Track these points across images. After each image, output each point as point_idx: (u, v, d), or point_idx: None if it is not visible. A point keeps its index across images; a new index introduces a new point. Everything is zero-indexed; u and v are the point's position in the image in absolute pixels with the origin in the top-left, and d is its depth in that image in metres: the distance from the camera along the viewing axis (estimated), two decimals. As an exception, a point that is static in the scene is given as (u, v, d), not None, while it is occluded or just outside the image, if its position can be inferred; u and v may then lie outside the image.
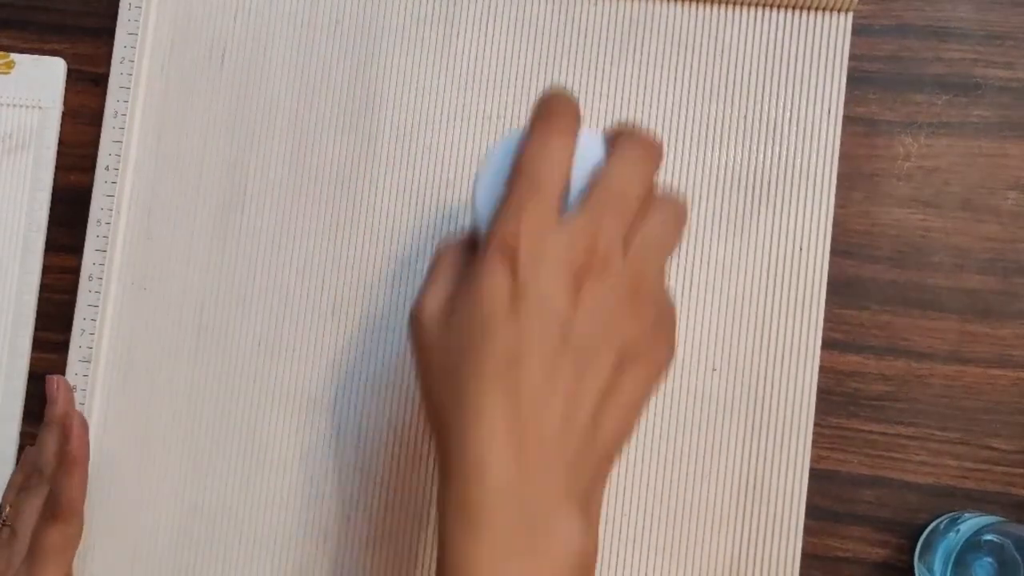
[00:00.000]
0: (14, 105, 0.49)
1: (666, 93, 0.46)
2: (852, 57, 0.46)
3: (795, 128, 0.45)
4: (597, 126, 0.40)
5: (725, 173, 0.45)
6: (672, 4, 0.46)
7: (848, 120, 0.46)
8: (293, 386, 0.46)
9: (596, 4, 0.46)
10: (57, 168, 0.49)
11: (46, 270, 0.49)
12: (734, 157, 0.45)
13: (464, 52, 0.47)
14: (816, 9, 0.45)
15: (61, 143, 0.50)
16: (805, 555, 0.44)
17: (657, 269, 0.32)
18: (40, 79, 0.50)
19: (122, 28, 0.48)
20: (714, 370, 0.44)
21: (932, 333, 0.45)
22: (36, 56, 0.50)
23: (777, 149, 0.45)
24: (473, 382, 0.30)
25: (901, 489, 0.44)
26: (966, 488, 0.44)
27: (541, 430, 0.30)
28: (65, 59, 0.50)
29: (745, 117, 0.45)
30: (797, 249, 0.45)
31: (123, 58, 0.48)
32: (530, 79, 0.47)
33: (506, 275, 0.30)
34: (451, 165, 0.47)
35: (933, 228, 0.45)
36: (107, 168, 0.48)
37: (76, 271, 0.47)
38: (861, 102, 0.46)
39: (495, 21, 0.47)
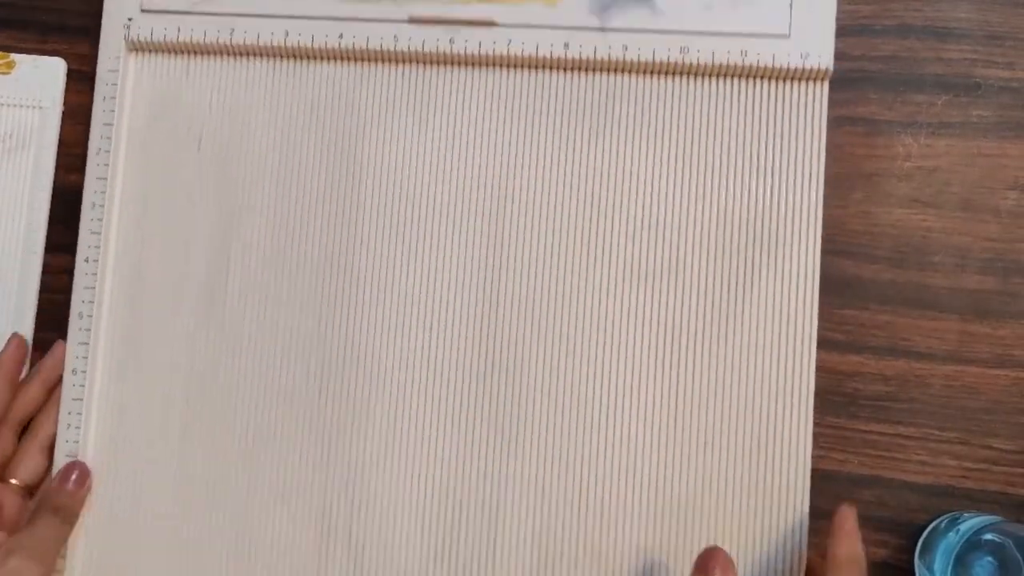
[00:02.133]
0: (14, 105, 0.49)
1: (643, 166, 0.45)
2: (852, 57, 0.46)
3: (776, 197, 0.44)
4: (572, 203, 0.44)
5: (707, 243, 0.44)
6: (645, 77, 0.45)
7: (848, 120, 0.46)
8: (281, 474, 0.45)
9: (571, 79, 0.46)
10: (57, 168, 0.49)
11: (46, 270, 0.49)
12: (715, 227, 0.44)
13: (441, 129, 0.46)
14: (792, 79, 0.44)
15: (61, 143, 0.50)
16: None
17: None
18: (40, 79, 0.50)
19: (97, 119, 0.47)
20: (706, 444, 0.44)
21: (932, 333, 0.45)
22: (36, 56, 0.50)
23: (759, 217, 0.44)
24: None
25: (901, 489, 0.44)
26: (966, 488, 0.44)
27: None
28: (65, 59, 0.50)
29: (725, 187, 0.44)
30: (784, 320, 0.44)
31: (99, 149, 0.47)
32: (508, 154, 0.46)
33: None
34: (432, 243, 0.46)
35: (933, 228, 0.45)
36: (87, 260, 0.47)
37: (76, 271, 0.47)
38: (861, 102, 0.46)
39: (471, 97, 0.46)
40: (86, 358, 0.46)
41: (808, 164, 0.44)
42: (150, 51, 0.48)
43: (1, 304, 0.48)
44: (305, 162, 0.47)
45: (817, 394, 0.45)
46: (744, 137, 0.45)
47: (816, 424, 0.45)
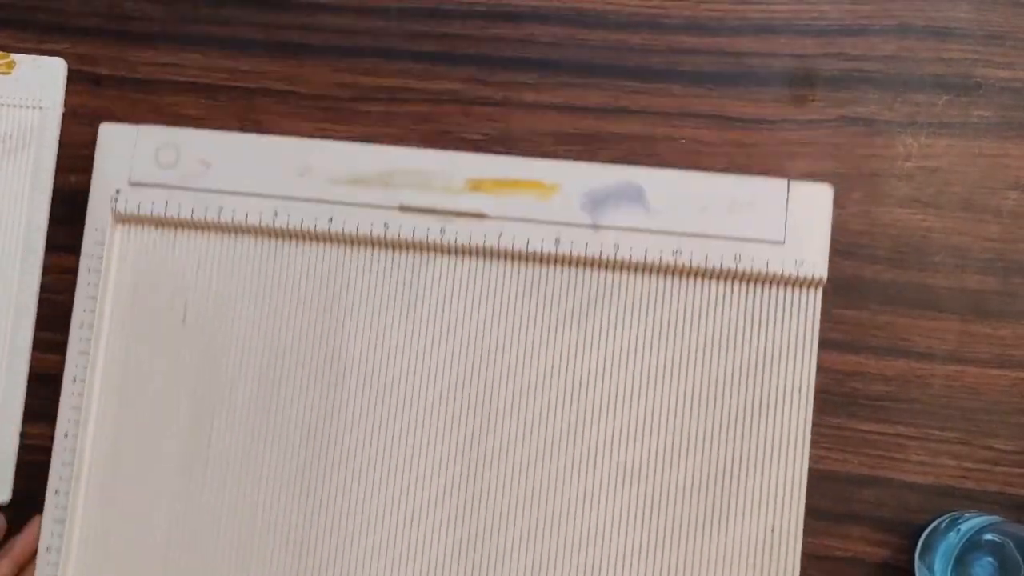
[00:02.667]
0: (14, 105, 0.49)
1: (628, 363, 0.45)
2: (852, 57, 0.46)
3: (765, 403, 0.44)
4: (559, 399, 0.44)
5: (694, 445, 0.44)
6: (637, 275, 0.45)
7: (848, 120, 0.46)
8: None
9: (562, 273, 0.45)
10: (57, 168, 0.49)
11: (46, 270, 0.49)
12: (702, 429, 0.44)
13: (428, 317, 0.46)
14: (786, 285, 0.44)
15: (61, 143, 0.50)
16: (805, 555, 0.44)
17: None
18: (40, 79, 0.50)
19: (81, 292, 0.47)
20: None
21: (932, 333, 0.45)
22: (36, 56, 0.50)
23: (747, 422, 0.44)
24: None
25: (901, 489, 0.44)
26: (966, 488, 0.44)
27: None
28: (65, 59, 0.50)
29: (713, 389, 0.44)
30: (769, 531, 0.43)
31: (82, 322, 0.46)
32: (493, 346, 0.45)
33: None
34: (416, 432, 0.45)
35: (933, 228, 0.45)
36: (66, 435, 0.46)
37: (76, 271, 0.47)
38: (861, 102, 0.46)
39: (459, 287, 0.46)
40: (61, 536, 0.45)
41: (798, 372, 0.44)
42: (137, 223, 0.47)
43: (1, 304, 0.48)
44: (290, 344, 0.46)
45: (817, 394, 0.45)
46: (735, 341, 0.44)
47: (816, 424, 0.45)
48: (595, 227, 0.45)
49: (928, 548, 0.42)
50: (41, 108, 0.49)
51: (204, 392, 0.47)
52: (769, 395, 0.44)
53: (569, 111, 0.47)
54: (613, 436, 0.45)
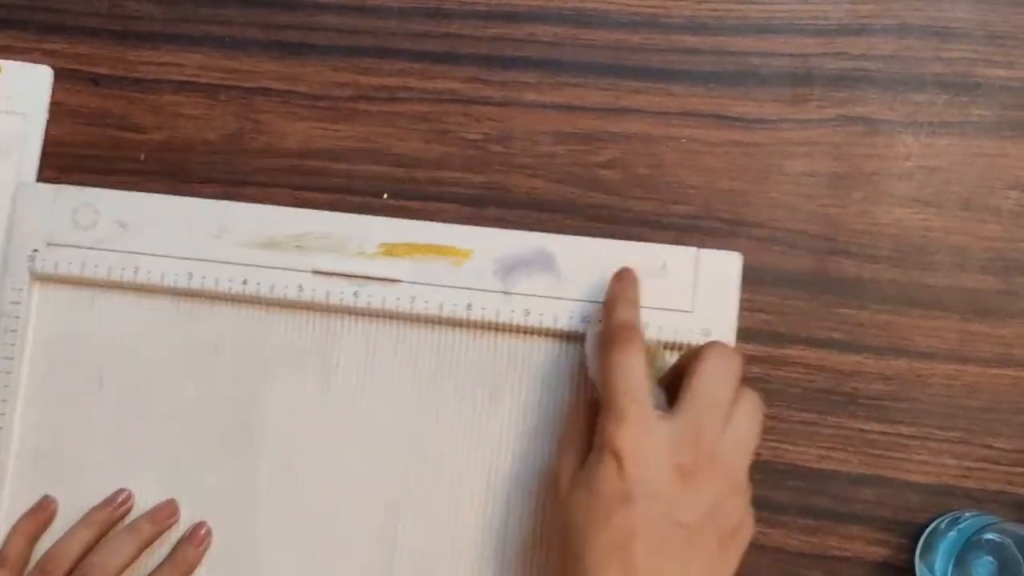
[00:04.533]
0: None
1: (539, 426, 0.45)
2: (852, 57, 0.46)
3: None
4: (467, 456, 0.45)
5: None
6: (548, 340, 0.45)
7: (848, 119, 0.46)
8: None
9: (474, 338, 0.45)
10: (57, 168, 0.49)
11: None
12: None
13: (343, 382, 0.46)
14: None
15: (61, 143, 0.50)
16: (805, 555, 0.44)
17: (747, 459, 0.38)
18: (25, 86, 0.49)
19: None
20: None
21: (932, 332, 0.45)
22: (23, 63, 0.50)
23: None
24: (593, 555, 0.36)
25: (901, 488, 0.44)
26: (967, 487, 0.44)
27: None
28: (64, 59, 0.50)
29: None
30: None
31: None
32: (406, 408, 0.46)
33: (618, 473, 0.36)
34: (330, 488, 0.46)
35: (933, 227, 0.45)
36: None
37: None
38: (861, 102, 0.46)
39: (373, 350, 0.46)
40: None
41: None
42: (55, 283, 0.48)
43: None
44: (205, 408, 0.46)
45: (818, 393, 0.45)
46: None
47: (816, 424, 0.45)
48: (507, 293, 0.45)
49: (929, 548, 0.42)
50: (25, 115, 0.49)
51: (120, 459, 0.47)
52: None
53: (569, 111, 0.47)
54: (526, 499, 0.45)
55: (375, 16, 0.49)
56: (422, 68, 0.48)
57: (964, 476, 0.44)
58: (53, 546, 0.45)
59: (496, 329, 0.45)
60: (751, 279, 0.45)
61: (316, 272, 0.46)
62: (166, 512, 0.46)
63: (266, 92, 0.49)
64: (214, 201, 0.47)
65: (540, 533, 0.44)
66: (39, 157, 0.49)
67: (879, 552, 0.44)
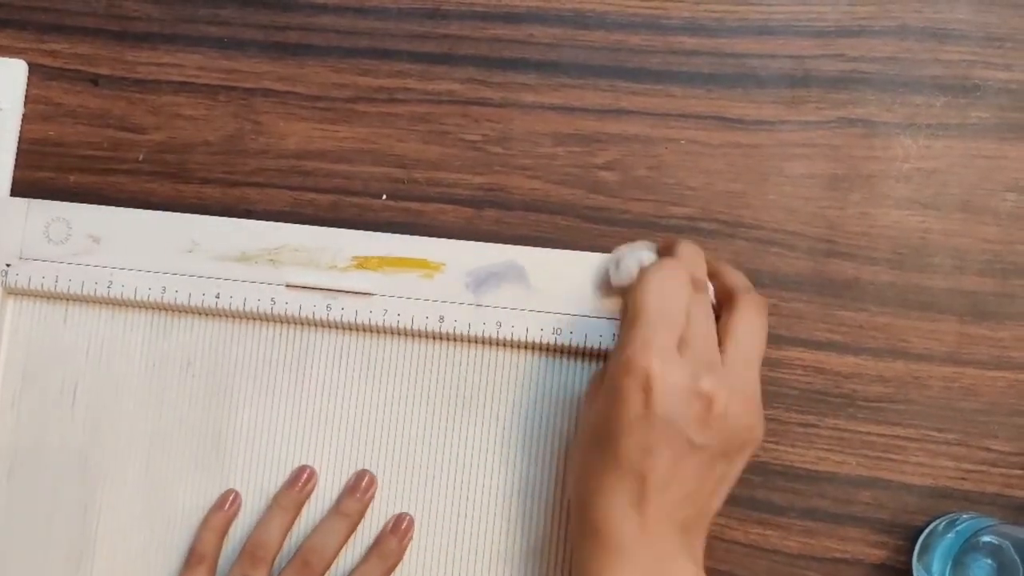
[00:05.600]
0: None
1: (511, 438, 0.45)
2: (850, 59, 0.46)
3: None
4: (438, 468, 0.46)
5: None
6: (519, 352, 0.46)
7: (847, 121, 0.46)
8: None
9: (446, 349, 0.46)
10: (55, 169, 0.49)
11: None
12: None
13: (316, 394, 0.46)
14: None
15: (60, 144, 0.50)
16: (803, 557, 0.44)
17: (758, 374, 0.39)
18: (0, 81, 0.49)
19: None
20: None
21: (930, 335, 0.45)
22: (-2, 58, 0.50)
23: None
24: (610, 466, 0.38)
25: (899, 490, 0.44)
26: (964, 489, 0.44)
27: (664, 503, 0.37)
28: (64, 59, 0.50)
29: None
30: None
31: None
32: (378, 420, 0.46)
33: (640, 397, 0.37)
34: (303, 510, 0.46)
35: (932, 230, 0.45)
36: None
37: (74, 271, 0.47)
38: (859, 103, 0.46)
39: (345, 363, 0.46)
40: None
41: None
42: (28, 297, 0.48)
43: None
44: (178, 421, 0.47)
45: (816, 395, 0.45)
46: None
47: (815, 425, 0.45)
48: (478, 305, 0.45)
49: (926, 549, 0.42)
50: (1, 110, 0.49)
51: (93, 472, 0.47)
52: None
53: (568, 112, 0.47)
54: (499, 510, 0.45)
55: (374, 17, 0.49)
56: (421, 69, 0.48)
57: (962, 478, 0.44)
58: (254, 534, 0.45)
59: (468, 341, 0.46)
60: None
61: (289, 286, 0.46)
62: (365, 484, 0.46)
63: (265, 93, 0.49)
64: (187, 215, 0.47)
65: (514, 543, 0.45)
66: (15, 151, 0.49)
67: (877, 554, 0.44)
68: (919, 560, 0.43)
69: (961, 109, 0.46)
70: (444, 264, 0.46)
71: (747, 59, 0.47)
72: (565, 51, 0.48)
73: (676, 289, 0.39)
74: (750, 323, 0.39)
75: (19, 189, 0.49)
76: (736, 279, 0.41)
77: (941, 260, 0.45)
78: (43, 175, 0.49)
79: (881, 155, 0.46)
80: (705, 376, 0.37)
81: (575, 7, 0.48)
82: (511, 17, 0.48)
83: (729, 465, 0.38)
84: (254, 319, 0.47)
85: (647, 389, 0.37)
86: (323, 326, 0.46)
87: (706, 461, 0.37)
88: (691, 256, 0.41)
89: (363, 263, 0.46)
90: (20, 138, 0.50)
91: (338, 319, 0.46)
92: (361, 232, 0.47)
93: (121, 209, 0.48)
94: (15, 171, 0.49)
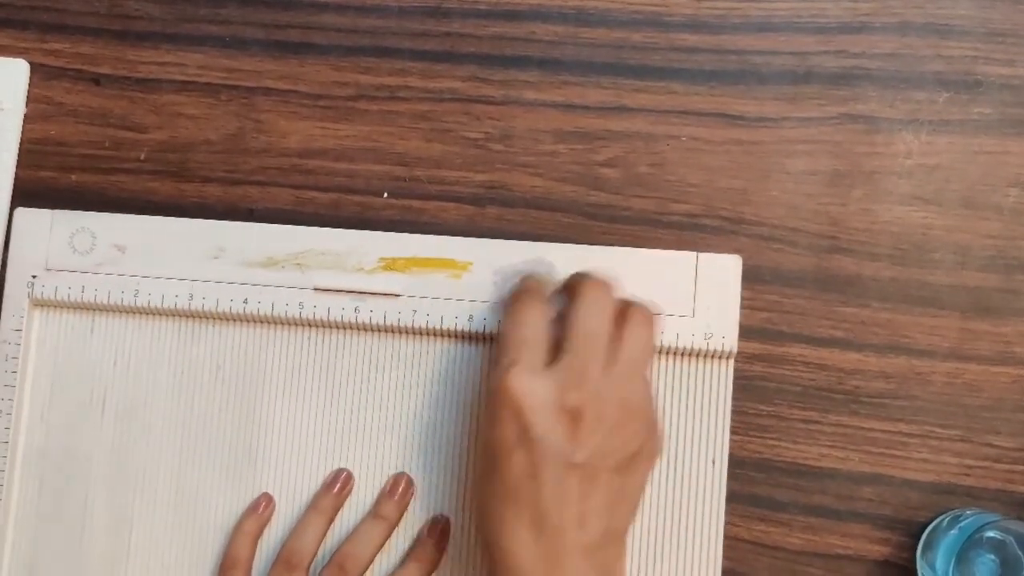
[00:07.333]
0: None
1: None
2: (852, 55, 0.46)
3: (679, 482, 0.44)
4: (469, 468, 0.45)
5: None
6: None
7: (849, 117, 0.46)
8: None
9: (473, 348, 0.45)
10: (58, 169, 0.49)
11: (40, 270, 0.49)
12: None
13: (346, 397, 0.46)
14: (697, 357, 0.44)
15: (62, 143, 0.50)
16: (806, 553, 0.44)
17: (641, 381, 0.39)
18: (2, 80, 0.49)
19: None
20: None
21: (933, 330, 0.45)
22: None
23: (660, 498, 0.44)
24: (499, 495, 0.37)
25: (902, 487, 0.44)
26: (967, 485, 0.44)
27: (561, 526, 0.36)
28: (65, 58, 0.50)
29: None
30: None
31: None
32: (413, 422, 0.46)
33: (514, 422, 0.37)
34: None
35: (934, 225, 0.45)
36: None
37: None
38: (861, 99, 0.46)
39: (375, 365, 0.46)
40: None
41: (712, 443, 0.44)
42: (55, 308, 0.48)
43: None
44: (207, 428, 0.46)
45: (819, 392, 0.45)
46: None
47: (817, 422, 0.45)
48: None
49: (930, 546, 0.42)
50: (3, 110, 0.49)
51: (124, 481, 0.47)
52: (683, 467, 0.44)
53: (570, 109, 0.47)
54: None
55: (375, 15, 0.49)
56: (422, 67, 0.48)
57: (965, 474, 0.44)
58: (290, 540, 0.45)
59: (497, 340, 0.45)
60: (751, 277, 0.45)
61: (316, 289, 0.46)
62: (403, 487, 0.45)
63: (267, 92, 0.49)
64: (212, 222, 0.47)
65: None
66: (16, 151, 0.49)
67: (880, 550, 0.44)
68: (923, 556, 0.43)
69: (963, 105, 0.46)
70: (471, 263, 0.46)
71: (749, 56, 0.47)
72: (567, 48, 0.48)
73: (533, 311, 0.40)
74: (634, 333, 0.39)
75: (21, 188, 0.49)
76: (628, 297, 0.41)
77: (943, 256, 0.45)
78: (45, 174, 0.49)
79: (883, 151, 0.46)
80: (572, 391, 0.37)
81: (577, 4, 0.48)
82: (513, 15, 0.48)
83: (624, 478, 0.38)
84: (282, 324, 0.47)
85: (518, 412, 0.37)
86: (351, 328, 0.46)
87: (593, 477, 0.37)
88: (546, 282, 0.42)
89: (390, 264, 0.46)
90: (22, 138, 0.50)
91: (367, 321, 0.46)
92: (387, 233, 0.47)
93: (145, 217, 0.48)
94: (17, 170, 0.49)
